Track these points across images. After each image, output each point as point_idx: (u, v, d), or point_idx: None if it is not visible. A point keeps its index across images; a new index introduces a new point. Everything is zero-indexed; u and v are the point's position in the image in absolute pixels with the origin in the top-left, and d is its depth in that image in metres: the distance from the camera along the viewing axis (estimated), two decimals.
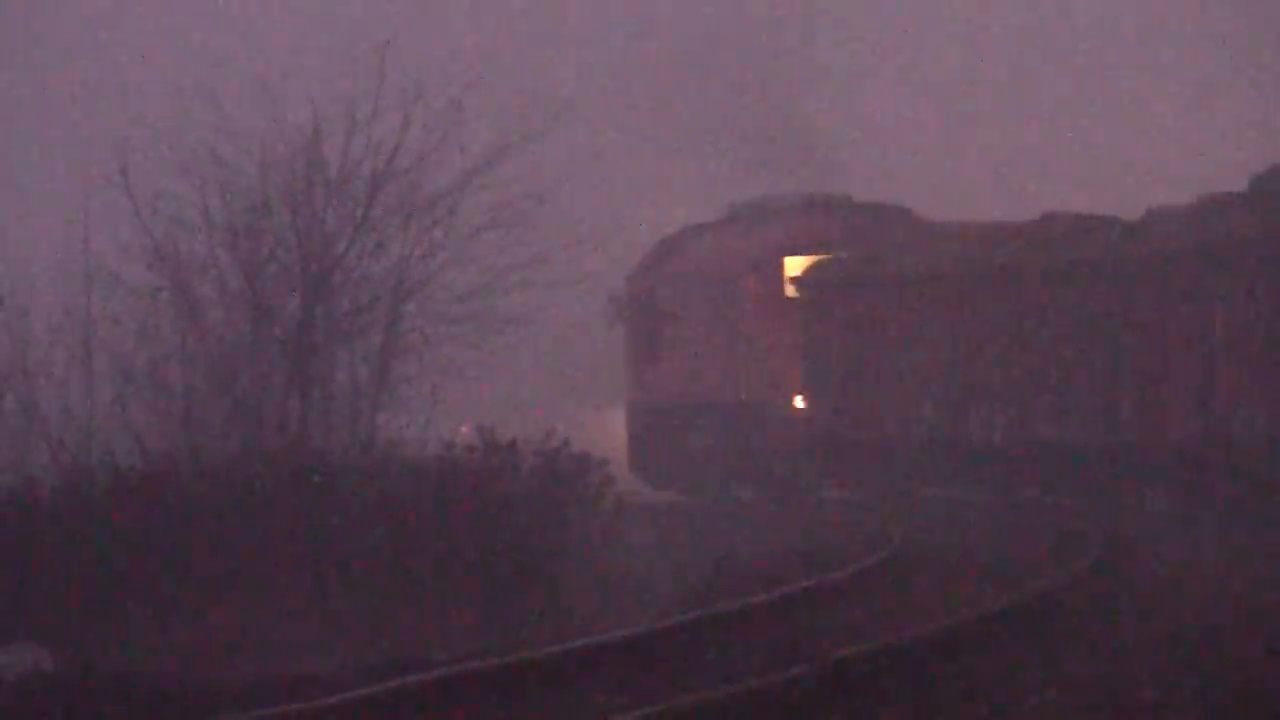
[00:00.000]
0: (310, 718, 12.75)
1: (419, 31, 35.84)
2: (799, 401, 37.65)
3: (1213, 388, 29.03)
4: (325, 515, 22.95)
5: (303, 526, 22.64)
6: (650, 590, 24.47)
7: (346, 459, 26.89)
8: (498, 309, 35.87)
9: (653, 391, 41.79)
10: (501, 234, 35.38)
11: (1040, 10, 76.24)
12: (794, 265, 38.35)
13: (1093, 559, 22.62)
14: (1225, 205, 30.09)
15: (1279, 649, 15.06)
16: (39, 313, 34.30)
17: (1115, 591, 20.12)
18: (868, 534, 28.51)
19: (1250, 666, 14.42)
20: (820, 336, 37.32)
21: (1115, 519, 28.54)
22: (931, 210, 40.40)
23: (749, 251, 39.44)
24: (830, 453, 36.92)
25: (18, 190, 54.37)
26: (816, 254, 37.93)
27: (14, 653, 17.60)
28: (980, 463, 33.87)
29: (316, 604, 21.42)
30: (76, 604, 20.17)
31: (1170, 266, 30.19)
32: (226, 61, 35.79)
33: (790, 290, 38.48)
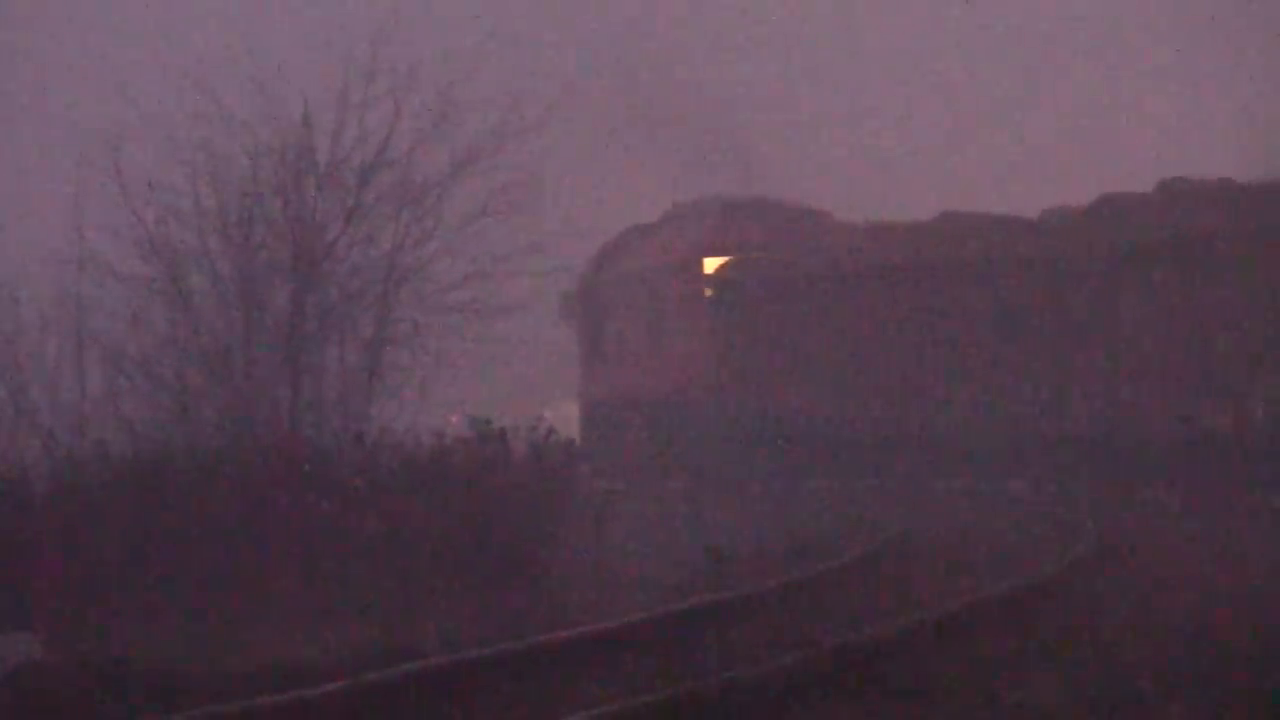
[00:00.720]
0: (303, 707, 12.77)
1: (410, 20, 35.76)
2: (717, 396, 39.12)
3: (1118, 378, 30.70)
4: (317, 505, 22.96)
5: (295, 516, 22.65)
6: (641, 580, 24.50)
7: (338, 448, 26.90)
8: (490, 298, 35.93)
9: (599, 386, 43.07)
10: (493, 223, 35.40)
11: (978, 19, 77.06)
12: (712, 266, 39.83)
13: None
14: (1126, 206, 31.54)
15: None
16: (30, 302, 34.30)
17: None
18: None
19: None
20: (732, 334, 38.91)
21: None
22: (870, 211, 41.87)
23: (674, 253, 40.78)
24: (743, 445, 38.07)
25: (9, 179, 54.33)
26: (735, 255, 39.41)
27: (5, 643, 17.61)
28: (888, 452, 35.37)
29: (308, 593, 21.44)
30: (68, 594, 20.17)
31: (1073, 264, 31.77)
32: (218, 51, 35.71)
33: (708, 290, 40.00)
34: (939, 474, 34.51)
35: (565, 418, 41.72)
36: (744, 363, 38.70)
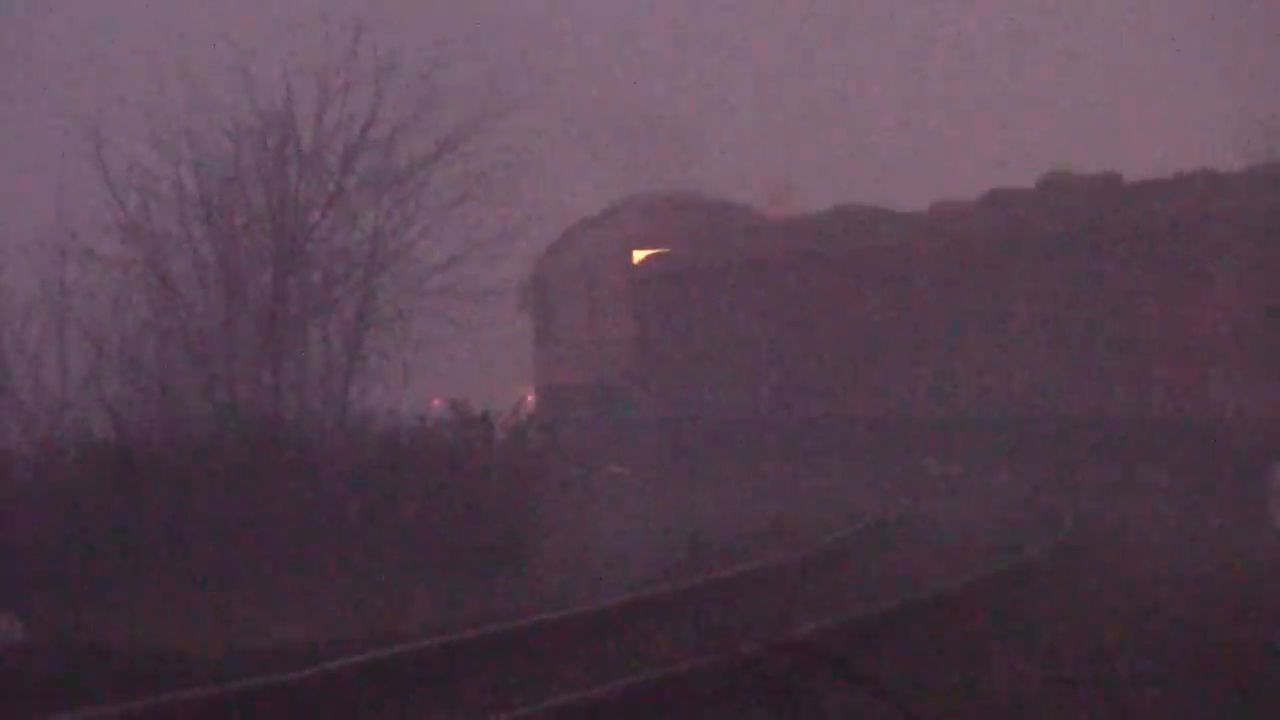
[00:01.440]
0: (284, 690, 12.82)
1: (391, 5, 35.80)
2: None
3: (1011, 368, 32.42)
4: (299, 488, 22.98)
5: (276, 499, 22.67)
6: (624, 564, 24.56)
7: (320, 432, 26.93)
8: (471, 282, 36.02)
9: (549, 373, 44.32)
10: (474, 206, 35.46)
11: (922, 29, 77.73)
12: (640, 258, 41.20)
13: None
14: (1013, 200, 33.14)
15: None
16: (12, 287, 34.31)
17: None
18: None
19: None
20: (651, 323, 40.44)
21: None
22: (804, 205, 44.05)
23: (608, 246, 41.87)
24: (661, 433, 39.06)
25: None
26: (661, 247, 40.64)
27: None
28: (800, 439, 36.70)
29: (289, 577, 21.47)
30: (50, 577, 20.19)
31: (964, 255, 33.28)
32: (199, 36, 35.70)
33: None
34: (842, 457, 35.89)
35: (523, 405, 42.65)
36: (663, 351, 40.09)
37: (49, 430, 25.72)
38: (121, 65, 35.14)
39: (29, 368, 33.23)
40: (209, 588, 20.50)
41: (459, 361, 37.61)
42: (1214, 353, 29.59)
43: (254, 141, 33.63)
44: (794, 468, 36.47)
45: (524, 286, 44.12)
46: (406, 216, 35.15)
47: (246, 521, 22.00)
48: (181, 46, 34.34)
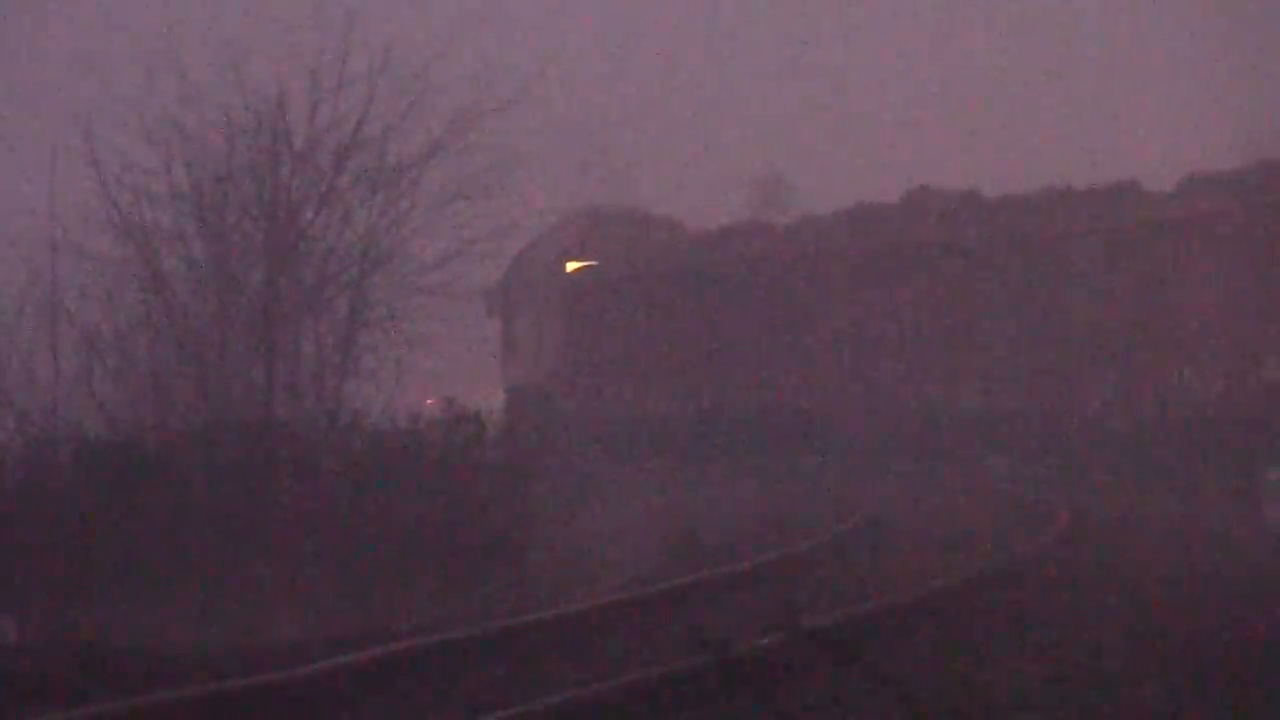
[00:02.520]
0: (276, 688, 12.82)
1: (383, 2, 35.80)
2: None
3: (873, 369, 36.30)
4: (292, 486, 22.98)
5: (270, 498, 22.66)
6: (616, 561, 24.57)
7: (312, 429, 26.92)
8: (463, 280, 36.03)
9: (511, 375, 46.18)
10: (466, 205, 35.43)
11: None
12: (572, 270, 44.48)
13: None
14: (876, 214, 36.80)
15: None
16: (4, 284, 34.27)
17: None
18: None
19: None
20: (578, 331, 43.74)
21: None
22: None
23: (550, 258, 44.53)
24: (584, 432, 41.65)
25: None
26: (596, 260, 43.64)
27: None
28: (705, 434, 39.29)
29: (283, 574, 21.46)
30: (42, 576, 20.18)
31: (826, 266, 37.28)
32: (192, 32, 35.69)
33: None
34: (740, 455, 38.00)
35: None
36: (590, 357, 42.92)
37: (41, 428, 25.68)
38: (114, 62, 35.05)
39: (21, 365, 33.20)
40: (202, 586, 20.49)
41: (449, 359, 37.77)
42: (1072, 356, 33.55)
43: (247, 140, 33.61)
44: (701, 461, 38.07)
45: (491, 292, 45.14)
46: (399, 215, 35.13)
47: (239, 520, 21.99)
48: (174, 44, 34.28)
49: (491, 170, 35.04)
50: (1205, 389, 32.55)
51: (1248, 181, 33.33)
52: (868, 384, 36.87)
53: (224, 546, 21.49)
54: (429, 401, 29.44)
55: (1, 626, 17.65)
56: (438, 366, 37.54)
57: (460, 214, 35.44)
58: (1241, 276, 32.45)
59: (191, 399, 31.09)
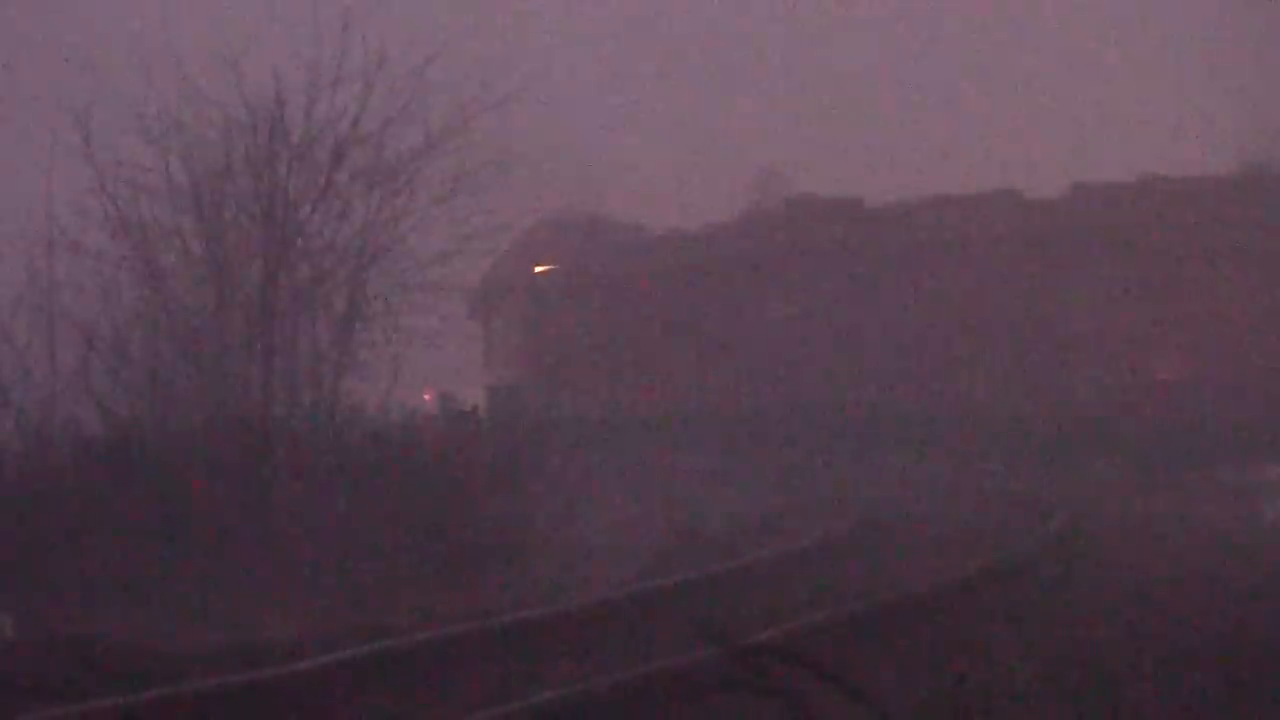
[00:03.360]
0: (274, 684, 12.82)
1: None
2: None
3: (766, 370, 39.15)
4: (289, 483, 22.97)
5: (266, 493, 22.66)
6: (614, 558, 24.57)
7: (310, 425, 26.90)
8: (461, 277, 36.01)
9: (490, 374, 47.61)
10: (465, 201, 35.40)
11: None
12: (539, 273, 47.01)
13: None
14: (767, 222, 40.33)
15: None
16: (0, 280, 34.17)
17: None
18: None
19: None
20: (542, 332, 46.12)
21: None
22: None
23: (520, 262, 46.26)
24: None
25: None
26: (560, 265, 45.98)
27: None
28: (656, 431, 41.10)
29: (280, 571, 21.45)
30: (39, 573, 20.16)
31: (727, 271, 40.38)
32: (189, 27, 35.64)
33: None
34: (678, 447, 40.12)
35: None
36: (557, 356, 44.83)
37: (38, 425, 25.65)
38: (111, 58, 34.98)
39: (18, 362, 33.12)
40: (199, 583, 20.47)
41: (445, 356, 37.87)
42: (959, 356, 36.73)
43: (244, 134, 33.56)
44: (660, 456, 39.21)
45: (472, 295, 45.77)
46: (397, 211, 35.09)
47: (237, 516, 21.99)
48: (171, 39, 34.23)
49: (489, 167, 35.04)
50: (1091, 387, 35.57)
51: (1130, 192, 36.37)
52: (768, 384, 39.76)
53: (221, 543, 21.48)
54: (426, 397, 29.52)
55: None
56: (433, 363, 37.58)
57: (458, 210, 35.44)
58: (1126, 282, 35.47)
59: (189, 395, 31.04)
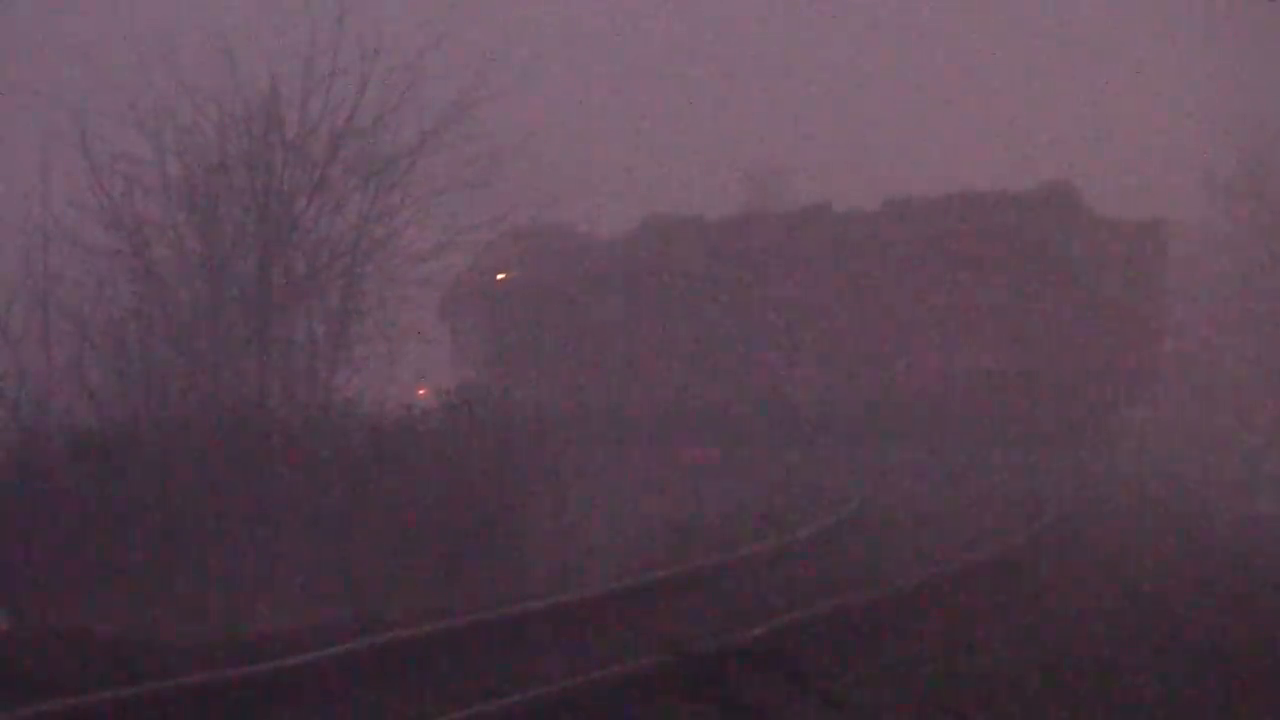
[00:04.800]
0: (271, 678, 12.82)
1: None
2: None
3: (635, 370, 42.69)
4: (284, 476, 22.98)
5: (261, 487, 22.67)
6: (610, 551, 24.59)
7: (304, 419, 26.91)
8: (456, 270, 36.01)
9: (459, 374, 48.85)
10: (459, 195, 35.42)
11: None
12: (500, 279, 48.42)
13: None
14: (668, 230, 43.49)
15: None
16: None
17: None
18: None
19: None
20: (499, 333, 47.74)
21: None
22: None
23: (484, 271, 47.59)
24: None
25: None
26: (518, 270, 47.60)
27: None
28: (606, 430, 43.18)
29: (276, 564, 21.47)
30: (34, 567, 20.17)
31: (634, 278, 43.84)
32: (185, 21, 35.64)
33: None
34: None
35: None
36: (509, 356, 46.87)
37: (33, 418, 25.65)
38: (107, 51, 35.00)
39: (13, 355, 33.13)
40: (195, 576, 20.49)
41: (437, 351, 38.14)
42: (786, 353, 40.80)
43: (239, 128, 33.58)
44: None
45: (443, 299, 46.25)
46: (391, 205, 35.11)
47: (232, 510, 21.99)
48: (167, 33, 34.25)
49: (484, 161, 35.06)
50: (906, 380, 40.54)
51: (939, 204, 41.34)
52: (641, 384, 44.14)
53: (217, 536, 21.49)
54: (420, 392, 29.53)
55: None
56: (426, 357, 37.61)
57: (453, 204, 35.46)
58: (938, 285, 40.37)
59: (183, 389, 31.04)
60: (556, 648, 14.88)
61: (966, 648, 14.37)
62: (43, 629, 16.20)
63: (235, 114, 33.51)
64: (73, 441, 23.03)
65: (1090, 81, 76.34)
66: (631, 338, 44.33)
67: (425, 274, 36.12)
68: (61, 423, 24.72)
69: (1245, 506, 32.85)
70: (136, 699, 11.98)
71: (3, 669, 13.69)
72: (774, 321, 42.12)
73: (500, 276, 47.28)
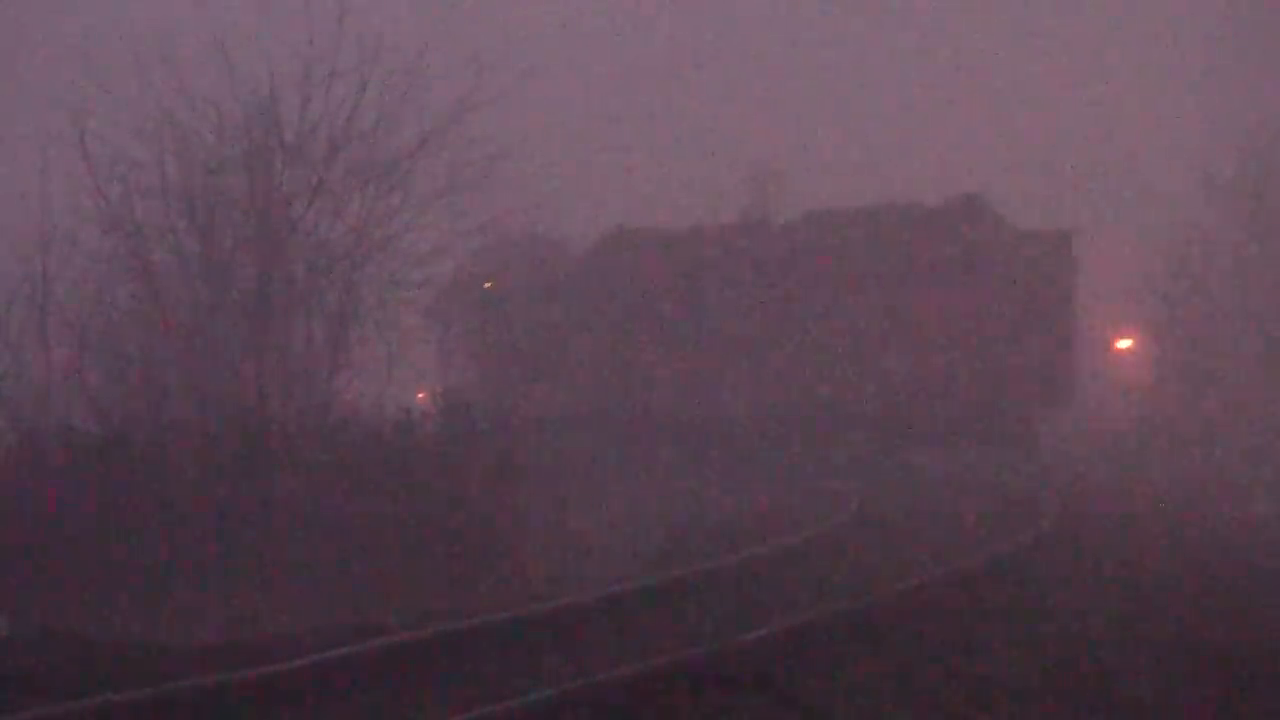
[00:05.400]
0: (269, 683, 12.82)
1: None
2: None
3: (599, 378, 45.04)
4: (283, 480, 22.96)
5: (260, 491, 22.65)
6: (608, 555, 24.59)
7: (303, 423, 26.88)
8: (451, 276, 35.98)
9: (445, 380, 49.54)
10: (459, 198, 35.41)
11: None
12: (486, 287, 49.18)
13: None
14: (628, 242, 44.79)
15: None
16: None
17: None
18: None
19: None
20: (484, 340, 48.83)
21: None
22: None
23: (471, 279, 48.24)
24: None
25: None
26: (502, 279, 48.43)
27: None
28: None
29: (274, 569, 21.45)
30: (34, 570, 20.16)
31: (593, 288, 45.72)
32: (184, 25, 35.63)
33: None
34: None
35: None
36: (493, 361, 48.15)
37: (32, 422, 25.63)
38: (106, 55, 34.97)
39: (12, 359, 33.12)
40: (193, 580, 20.47)
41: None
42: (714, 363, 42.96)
43: (238, 132, 33.56)
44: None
45: (431, 307, 46.68)
46: (391, 208, 35.08)
47: (230, 514, 21.98)
48: (166, 36, 34.22)
49: (483, 164, 35.04)
50: (829, 383, 42.56)
51: (855, 216, 43.71)
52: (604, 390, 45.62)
53: (215, 541, 21.47)
54: (420, 395, 29.50)
55: None
56: (426, 359, 37.58)
57: (452, 207, 35.43)
58: (858, 294, 42.64)
59: (182, 393, 31.02)
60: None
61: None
62: (42, 632, 16.20)
63: (234, 117, 33.52)
64: (71, 445, 23.01)
65: (1089, 83, 76.34)
66: (595, 346, 46.19)
67: (425, 276, 36.11)
68: (61, 427, 24.69)
69: (1232, 508, 32.49)
70: (136, 704, 11.98)
71: (2, 673, 13.68)
72: (712, 331, 44.37)
73: (486, 285, 48.48)
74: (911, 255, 42.75)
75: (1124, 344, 64.39)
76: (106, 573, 20.47)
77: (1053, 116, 75.29)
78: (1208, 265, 53.78)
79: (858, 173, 65.18)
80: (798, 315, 43.60)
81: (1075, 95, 75.17)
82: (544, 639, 15.34)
